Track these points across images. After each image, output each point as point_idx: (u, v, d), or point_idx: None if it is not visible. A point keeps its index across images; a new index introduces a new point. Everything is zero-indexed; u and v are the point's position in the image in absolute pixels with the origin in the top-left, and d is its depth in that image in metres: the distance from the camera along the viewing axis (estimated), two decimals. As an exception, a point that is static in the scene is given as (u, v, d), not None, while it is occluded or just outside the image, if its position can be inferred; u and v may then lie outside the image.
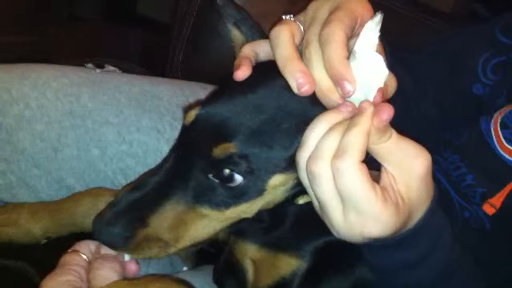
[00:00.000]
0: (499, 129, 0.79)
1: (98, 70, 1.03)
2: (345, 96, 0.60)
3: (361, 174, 0.56)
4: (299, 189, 0.70)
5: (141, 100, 1.01)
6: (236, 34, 0.78)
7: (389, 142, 0.58)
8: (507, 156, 0.77)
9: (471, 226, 0.81)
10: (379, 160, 0.59)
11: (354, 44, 0.61)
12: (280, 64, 0.64)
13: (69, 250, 0.69)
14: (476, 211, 0.80)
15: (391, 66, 0.63)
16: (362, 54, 0.60)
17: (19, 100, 0.93)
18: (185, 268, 0.95)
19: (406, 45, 0.97)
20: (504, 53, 0.85)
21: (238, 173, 0.64)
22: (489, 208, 0.78)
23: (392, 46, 0.75)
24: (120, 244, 0.65)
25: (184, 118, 0.69)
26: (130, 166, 0.98)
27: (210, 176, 0.66)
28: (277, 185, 0.67)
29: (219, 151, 0.64)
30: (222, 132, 0.64)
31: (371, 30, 0.61)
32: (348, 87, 0.59)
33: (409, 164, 0.58)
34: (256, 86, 0.66)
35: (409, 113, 0.94)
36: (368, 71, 0.60)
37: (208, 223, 0.69)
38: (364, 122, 0.56)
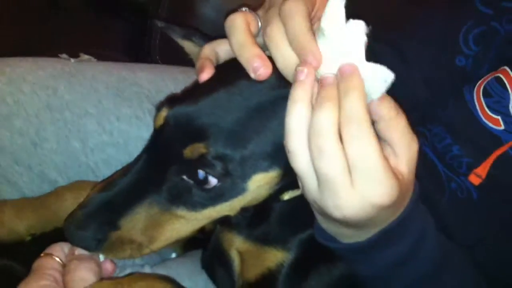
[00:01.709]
0: (482, 98, 0.78)
1: (72, 60, 1.00)
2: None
3: (375, 139, 0.54)
4: (284, 184, 0.69)
5: (119, 88, 1.00)
6: (188, 45, 0.77)
7: (401, 118, 0.56)
8: (491, 124, 0.76)
9: (459, 197, 0.80)
10: (391, 137, 0.56)
11: (322, 21, 0.57)
12: (236, 50, 0.63)
13: (42, 254, 0.67)
14: (463, 181, 0.79)
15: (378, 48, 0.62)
16: (331, 30, 0.57)
17: None
18: (173, 255, 0.94)
19: (389, 24, 0.96)
20: (484, 22, 0.84)
21: (212, 175, 0.63)
22: (475, 178, 0.77)
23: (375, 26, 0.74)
24: (92, 247, 0.64)
25: (154, 120, 0.67)
26: (112, 156, 0.97)
27: (184, 177, 0.64)
28: (260, 184, 0.66)
29: (190, 152, 0.62)
30: (192, 133, 0.63)
31: (336, 6, 0.57)
32: (312, 60, 0.56)
33: (413, 145, 0.57)
34: (219, 85, 0.65)
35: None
36: (341, 46, 0.57)
37: (185, 223, 0.68)
38: (358, 84, 0.54)
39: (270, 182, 0.67)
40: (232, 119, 0.62)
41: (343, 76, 0.55)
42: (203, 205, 0.66)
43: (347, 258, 0.69)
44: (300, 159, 0.57)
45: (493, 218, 0.77)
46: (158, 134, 0.66)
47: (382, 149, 0.54)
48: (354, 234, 0.63)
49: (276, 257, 0.76)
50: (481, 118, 0.77)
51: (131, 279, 0.67)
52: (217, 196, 0.65)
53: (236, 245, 0.79)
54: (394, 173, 0.56)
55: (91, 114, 0.96)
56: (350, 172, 0.54)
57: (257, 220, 0.78)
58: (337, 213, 0.57)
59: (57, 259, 0.66)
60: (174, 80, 1.06)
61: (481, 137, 0.77)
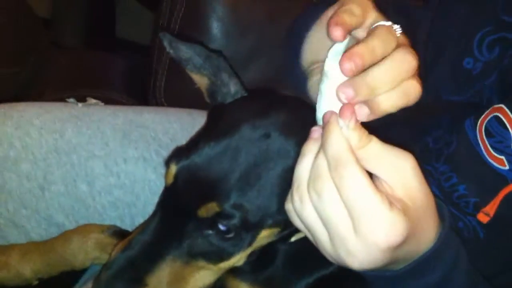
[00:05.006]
0: (485, 138, 0.78)
1: (80, 104, 1.02)
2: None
3: (364, 176, 0.54)
4: (289, 232, 0.70)
5: (126, 131, 1.01)
6: (197, 78, 0.76)
7: (373, 144, 0.56)
8: (496, 164, 0.76)
9: (465, 236, 0.80)
10: (369, 168, 0.56)
11: (324, 64, 0.60)
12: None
13: None
14: (470, 221, 0.80)
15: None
16: (333, 72, 0.59)
17: (2, 141, 0.92)
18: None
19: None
20: (502, 31, 0.82)
21: (229, 226, 0.64)
22: (484, 216, 0.77)
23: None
24: None
25: (165, 177, 0.68)
26: (119, 198, 0.97)
27: (205, 230, 0.66)
28: (262, 238, 0.67)
29: (204, 212, 0.64)
30: (203, 192, 0.64)
31: (342, 48, 0.60)
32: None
33: (401, 164, 0.56)
34: (223, 133, 0.66)
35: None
36: None
37: (205, 273, 0.69)
38: (334, 128, 0.55)
39: (272, 235, 0.69)
40: (239, 171, 0.63)
41: (323, 123, 0.57)
42: (221, 256, 0.67)
43: (377, 285, 0.68)
44: (307, 211, 0.58)
45: (500, 257, 0.77)
46: (170, 191, 0.67)
47: (373, 184, 0.54)
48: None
49: None
50: (486, 158, 0.77)
51: None
52: (233, 247, 0.67)
53: None
54: (394, 204, 0.55)
55: (98, 157, 0.96)
56: (351, 217, 0.55)
57: (262, 265, 0.78)
58: (351, 262, 0.57)
59: None
60: (180, 122, 1.07)
61: (487, 177, 0.77)
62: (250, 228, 0.65)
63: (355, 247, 0.55)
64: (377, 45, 0.58)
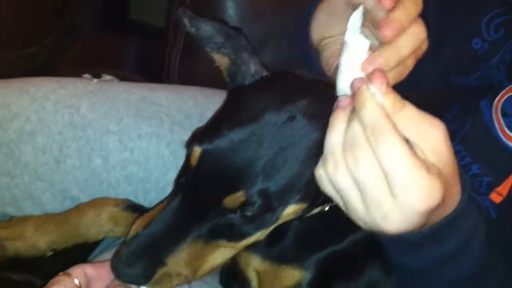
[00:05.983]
0: (500, 117, 0.78)
1: (95, 80, 1.02)
2: None
3: (401, 142, 0.53)
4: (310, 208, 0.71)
5: (140, 107, 1.01)
6: (217, 57, 0.75)
7: (407, 109, 0.55)
8: (511, 144, 0.76)
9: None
10: (403, 132, 0.55)
11: (344, 36, 0.61)
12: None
13: (61, 273, 0.66)
14: (483, 200, 0.80)
15: None
16: (353, 42, 0.60)
17: (19, 114, 0.93)
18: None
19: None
20: (510, 13, 0.83)
21: (253, 211, 0.64)
22: (496, 196, 0.77)
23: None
24: (140, 282, 0.66)
25: (189, 159, 0.67)
26: (132, 173, 0.98)
27: (228, 215, 0.66)
28: (289, 214, 0.68)
29: (231, 202, 0.64)
30: (228, 181, 0.64)
31: (357, 19, 0.61)
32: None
33: (434, 132, 0.56)
34: (247, 118, 0.65)
35: None
36: (361, 57, 0.60)
37: (224, 251, 0.70)
38: (367, 95, 0.55)
39: (299, 210, 0.69)
40: (264, 157, 0.63)
41: (354, 91, 0.57)
42: (243, 235, 0.68)
43: (394, 249, 0.68)
44: (342, 176, 0.57)
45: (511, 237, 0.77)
46: (193, 173, 0.66)
47: (410, 149, 0.54)
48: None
49: (293, 277, 0.76)
50: (500, 137, 0.77)
51: None
52: (255, 228, 0.67)
53: (254, 265, 0.80)
54: (431, 169, 0.55)
55: (113, 132, 0.97)
56: (389, 182, 0.55)
57: (275, 239, 0.78)
58: (387, 225, 0.56)
59: (76, 280, 0.65)
60: (193, 99, 1.07)
61: (501, 156, 0.77)
62: (275, 209, 0.65)
63: (392, 211, 0.55)
64: (405, 12, 0.60)
